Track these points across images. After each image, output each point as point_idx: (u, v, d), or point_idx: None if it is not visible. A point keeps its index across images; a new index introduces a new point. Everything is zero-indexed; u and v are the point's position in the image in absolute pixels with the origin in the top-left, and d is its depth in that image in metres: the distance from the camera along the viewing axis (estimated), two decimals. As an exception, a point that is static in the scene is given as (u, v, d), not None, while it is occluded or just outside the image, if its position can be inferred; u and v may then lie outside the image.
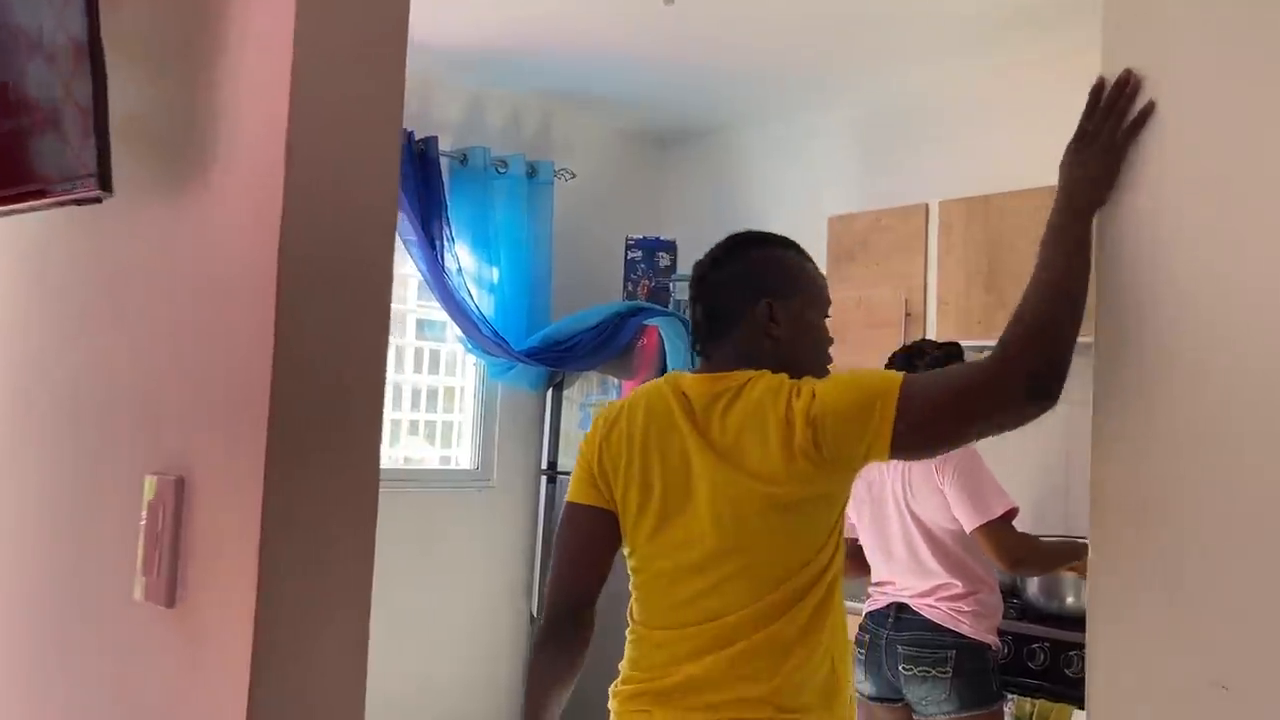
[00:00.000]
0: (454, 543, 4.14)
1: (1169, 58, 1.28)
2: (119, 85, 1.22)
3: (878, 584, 2.74)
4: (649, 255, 4.20)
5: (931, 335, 3.54)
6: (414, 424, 4.27)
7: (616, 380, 4.02)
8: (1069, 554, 2.71)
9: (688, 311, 1.73)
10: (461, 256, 4.03)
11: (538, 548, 4.21)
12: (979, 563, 2.63)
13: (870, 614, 2.74)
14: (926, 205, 3.60)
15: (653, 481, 1.56)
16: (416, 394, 4.26)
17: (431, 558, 4.05)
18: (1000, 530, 2.51)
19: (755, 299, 1.60)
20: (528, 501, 4.31)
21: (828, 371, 1.61)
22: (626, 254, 4.22)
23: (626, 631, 1.61)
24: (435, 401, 4.33)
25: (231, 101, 1.20)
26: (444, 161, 4.01)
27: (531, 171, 4.24)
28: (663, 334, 3.85)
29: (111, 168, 1.19)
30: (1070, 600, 2.83)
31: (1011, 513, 2.52)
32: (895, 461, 2.64)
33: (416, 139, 3.89)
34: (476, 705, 4.08)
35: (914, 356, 2.80)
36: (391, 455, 4.19)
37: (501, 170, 4.15)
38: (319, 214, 1.14)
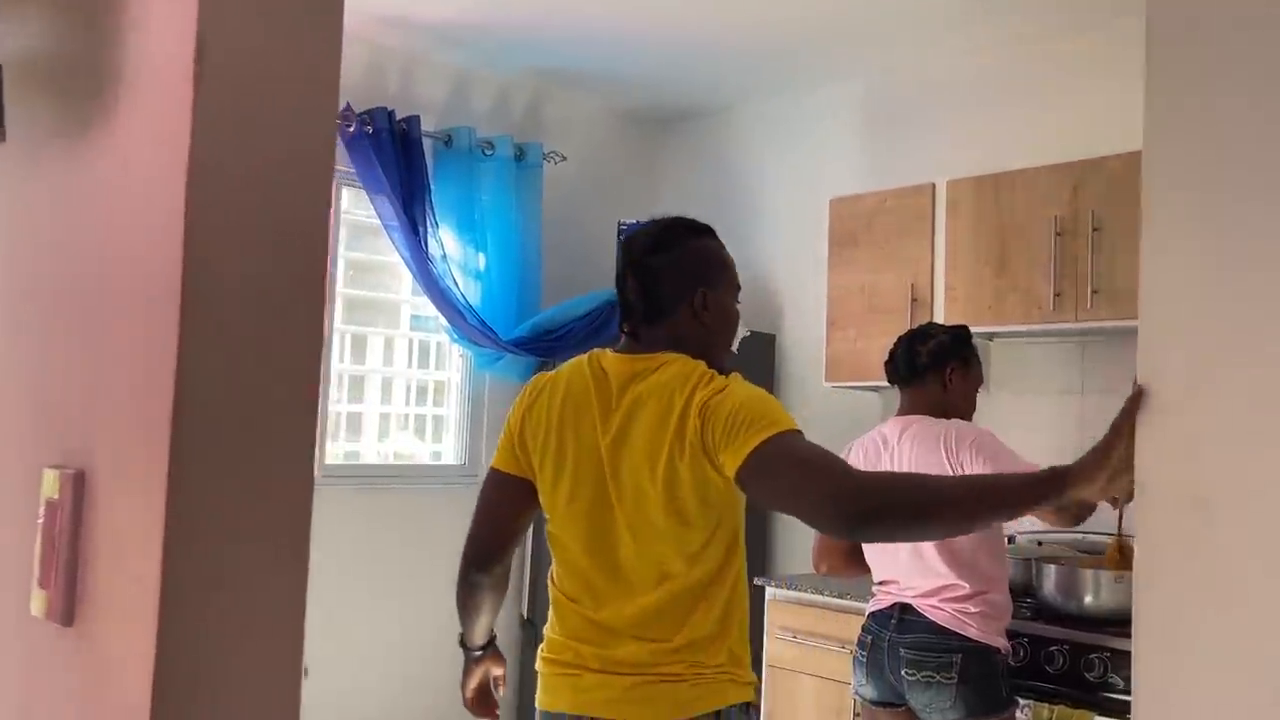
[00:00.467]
0: (441, 539, 3.93)
1: (1216, 61, 1.24)
2: (15, 23, 1.05)
3: (881, 583, 2.59)
4: (643, 240, 4.02)
5: (940, 319, 3.37)
6: (404, 418, 4.10)
7: (609, 371, 3.84)
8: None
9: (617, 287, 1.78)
10: (446, 242, 3.85)
11: (528, 545, 4.04)
12: (990, 559, 2.46)
13: (873, 614, 2.59)
14: (933, 185, 3.42)
15: (566, 455, 1.65)
16: (408, 388, 4.09)
17: (419, 555, 3.88)
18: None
19: (693, 288, 1.68)
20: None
21: (731, 350, 1.78)
22: (619, 239, 4.04)
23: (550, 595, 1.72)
24: (425, 396, 4.16)
25: (137, 41, 1.03)
26: (427, 143, 3.84)
27: (520, 154, 4.06)
28: (657, 322, 3.67)
29: (4, 109, 1.03)
30: (1089, 599, 2.66)
31: None
32: (897, 450, 2.50)
33: (398, 119, 3.72)
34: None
35: (916, 341, 2.64)
36: (380, 451, 4.02)
37: (488, 152, 3.97)
38: (235, 170, 0.97)
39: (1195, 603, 1.17)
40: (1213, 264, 1.22)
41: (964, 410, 2.60)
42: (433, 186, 3.83)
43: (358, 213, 3.86)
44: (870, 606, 2.61)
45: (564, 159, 4.21)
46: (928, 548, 2.45)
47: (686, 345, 1.66)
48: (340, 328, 3.79)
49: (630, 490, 1.60)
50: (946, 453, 2.44)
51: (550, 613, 1.71)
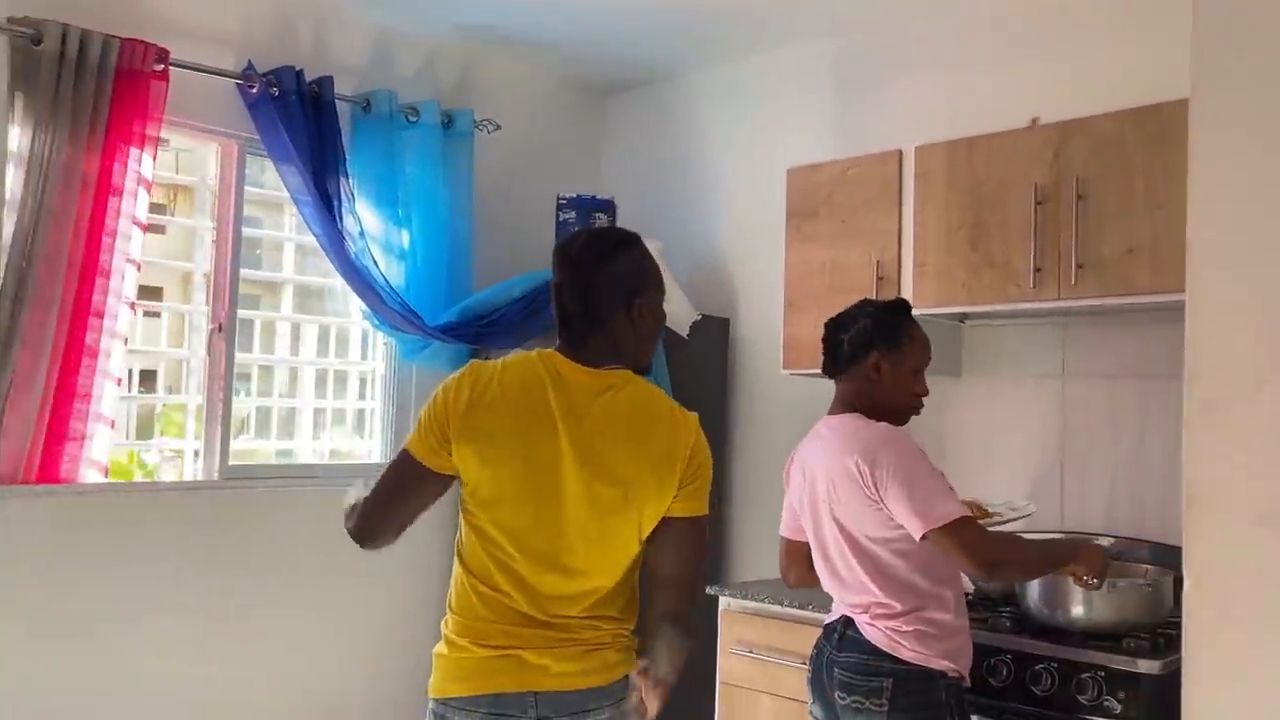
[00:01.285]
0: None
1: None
2: None
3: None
4: (584, 216, 3.68)
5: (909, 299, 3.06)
6: (320, 413, 3.72)
7: (548, 359, 3.49)
8: (1062, 554, 2.25)
9: (554, 291, 1.84)
10: (365, 218, 3.48)
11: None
12: (929, 576, 2.17)
13: (825, 626, 2.36)
14: (899, 151, 3.11)
15: (519, 454, 1.73)
16: (323, 377, 3.72)
17: (341, 564, 3.51)
18: (959, 531, 2.06)
19: (630, 299, 1.79)
20: (450, 497, 3.77)
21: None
22: (558, 215, 3.69)
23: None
24: (344, 387, 3.78)
25: None
26: (343, 108, 3.46)
27: (447, 121, 3.69)
28: (599, 305, 3.33)
29: None
30: (1078, 611, 2.36)
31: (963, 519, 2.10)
32: (822, 462, 2.25)
33: (308, 80, 3.33)
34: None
35: (839, 328, 2.36)
36: (316, 449, 3.65)
37: (412, 119, 3.60)
38: None
39: (1251, 612, 1.03)
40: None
41: (897, 404, 2.31)
42: (349, 156, 3.45)
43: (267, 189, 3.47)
44: (826, 618, 2.38)
45: (497, 128, 3.85)
46: (854, 563, 2.22)
47: (623, 354, 1.81)
48: (246, 314, 3.41)
49: (592, 498, 1.73)
50: (861, 472, 2.17)
51: (469, 601, 1.79)
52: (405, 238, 3.58)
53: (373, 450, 3.75)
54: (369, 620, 3.59)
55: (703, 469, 1.80)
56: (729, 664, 2.99)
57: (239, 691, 3.24)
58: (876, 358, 2.28)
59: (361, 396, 3.78)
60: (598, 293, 1.78)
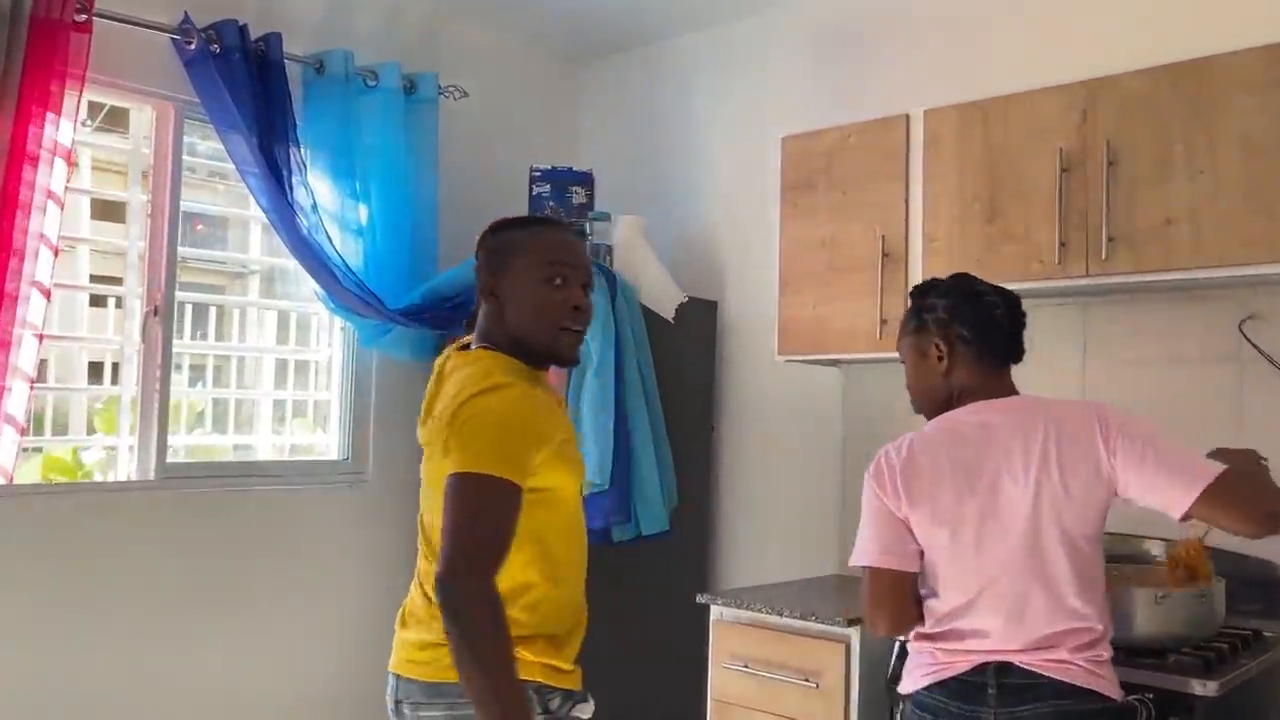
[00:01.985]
0: (320, 548, 3.30)
1: None
2: None
3: (937, 634, 1.82)
4: (559, 190, 3.38)
5: (918, 279, 2.78)
6: (279, 404, 3.40)
7: (520, 345, 3.19)
8: None
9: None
10: (318, 191, 3.16)
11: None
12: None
13: (940, 685, 1.79)
14: (907, 116, 2.84)
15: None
16: (284, 367, 3.40)
17: (292, 567, 3.22)
18: (1235, 485, 1.68)
19: (484, 281, 1.72)
20: (411, 497, 3.46)
21: (573, 335, 1.71)
22: (532, 189, 3.39)
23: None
24: (305, 377, 3.47)
25: None
26: (294, 69, 3.14)
27: (410, 86, 3.38)
28: (576, 286, 3.04)
29: None
30: (1141, 619, 2.07)
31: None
32: (1034, 452, 1.76)
33: (253, 36, 3.01)
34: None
35: (1014, 304, 1.94)
36: (277, 444, 3.33)
37: (370, 83, 3.29)
38: None
39: None
40: None
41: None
42: (300, 123, 3.13)
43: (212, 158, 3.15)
44: (921, 672, 1.83)
45: (465, 95, 3.54)
46: (1061, 575, 1.74)
47: (494, 338, 1.71)
48: (185, 297, 3.08)
49: (428, 481, 1.71)
50: (1104, 443, 1.76)
51: None
52: (363, 213, 3.26)
53: (330, 445, 3.44)
54: (322, 629, 3.28)
55: (466, 424, 1.56)
56: (722, 680, 2.71)
57: (176, 705, 2.93)
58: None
59: (301, 386, 3.46)
60: (475, 284, 1.76)
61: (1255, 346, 2.51)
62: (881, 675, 2.43)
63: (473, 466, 1.52)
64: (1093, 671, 1.73)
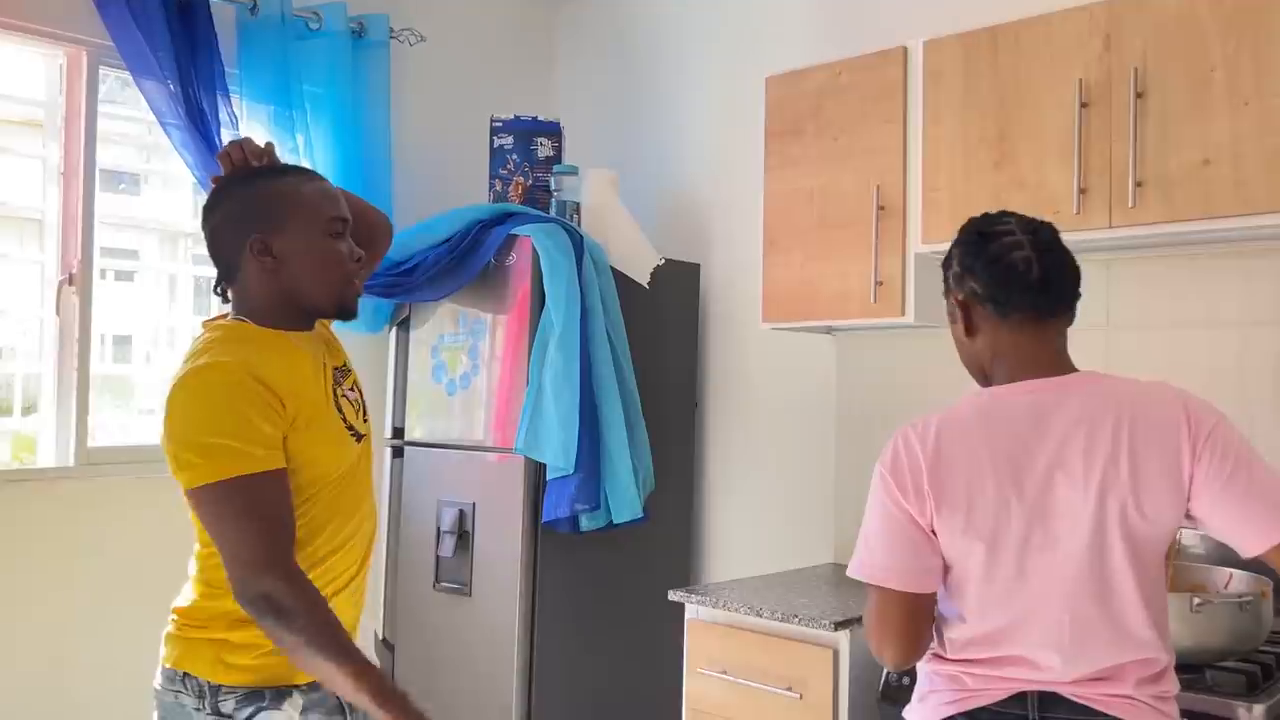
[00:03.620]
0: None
1: None
2: None
3: (963, 661, 1.48)
4: (523, 142, 3.06)
5: (917, 234, 2.46)
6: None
7: (482, 313, 2.90)
8: None
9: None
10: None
11: (383, 538, 3.11)
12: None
13: (963, 717, 1.46)
14: (904, 49, 2.50)
15: None
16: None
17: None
18: None
19: (246, 237, 1.53)
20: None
21: (352, 288, 1.60)
22: (493, 141, 3.07)
23: None
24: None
25: None
26: (224, 9, 2.82)
27: (358, 29, 3.07)
28: (538, 248, 2.73)
29: None
30: (1174, 629, 1.71)
31: None
32: (1101, 449, 1.41)
33: (174, -27, 2.70)
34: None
35: (1057, 243, 1.54)
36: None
37: (313, 26, 2.98)
38: None
39: None
40: None
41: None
42: (232, 70, 2.83)
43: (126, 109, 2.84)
44: (941, 699, 1.49)
45: (421, 39, 3.23)
46: (1127, 598, 1.40)
47: (264, 300, 1.55)
48: (106, 264, 2.80)
49: None
50: (1189, 452, 1.40)
51: None
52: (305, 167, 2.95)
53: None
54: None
55: (176, 432, 1.44)
56: (697, 687, 2.43)
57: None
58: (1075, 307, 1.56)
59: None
60: (214, 242, 1.58)
61: (1307, 307, 2.17)
62: (874, 687, 2.14)
63: (206, 478, 1.40)
64: (1159, 710, 1.40)
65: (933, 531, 1.46)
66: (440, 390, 2.97)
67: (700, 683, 2.42)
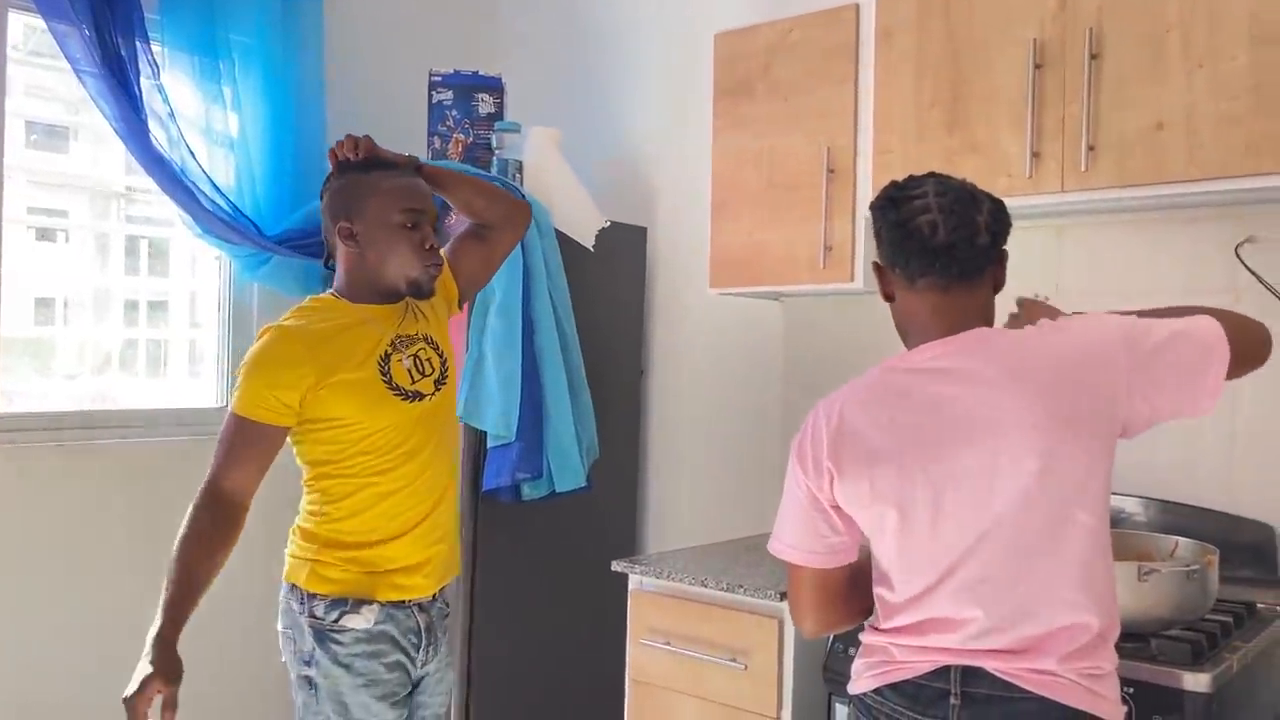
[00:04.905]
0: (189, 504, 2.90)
1: None
2: None
3: (891, 630, 1.44)
4: (464, 98, 2.95)
5: (868, 198, 2.41)
6: (130, 345, 2.98)
7: (420, 277, 2.79)
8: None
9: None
10: (178, 96, 2.72)
11: (318, 514, 3.01)
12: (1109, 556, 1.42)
13: (889, 689, 1.43)
14: (857, 6, 2.44)
15: None
16: (131, 305, 2.97)
17: (162, 533, 2.82)
18: (1234, 333, 1.40)
19: (336, 222, 1.84)
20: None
21: (423, 272, 1.84)
22: (432, 96, 2.96)
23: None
24: (163, 313, 3.04)
25: None
26: (144, -49, 2.67)
27: (289, -25, 2.92)
28: (479, 208, 2.62)
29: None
30: (1120, 598, 1.67)
31: None
32: (1007, 407, 1.36)
33: (89, -91, 2.54)
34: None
35: (970, 207, 1.45)
36: (94, 391, 2.92)
37: (241, -30, 2.83)
38: None
39: None
40: None
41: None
42: (153, 15, 2.67)
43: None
44: (871, 672, 1.46)
45: (357, -13, 3.09)
46: (1056, 556, 1.35)
47: (355, 281, 1.85)
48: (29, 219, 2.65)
49: None
50: (1119, 382, 1.36)
51: None
52: (233, 122, 2.82)
53: (205, 393, 3.03)
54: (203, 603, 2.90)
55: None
56: (640, 657, 2.38)
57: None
58: (1001, 264, 1.49)
59: (157, 324, 3.03)
60: (323, 230, 1.91)
61: (1255, 274, 2.16)
62: (819, 658, 2.10)
63: (232, 407, 1.76)
64: (1089, 690, 1.35)
65: (835, 507, 1.45)
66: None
67: (643, 654, 2.37)
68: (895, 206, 1.46)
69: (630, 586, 2.42)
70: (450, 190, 2.01)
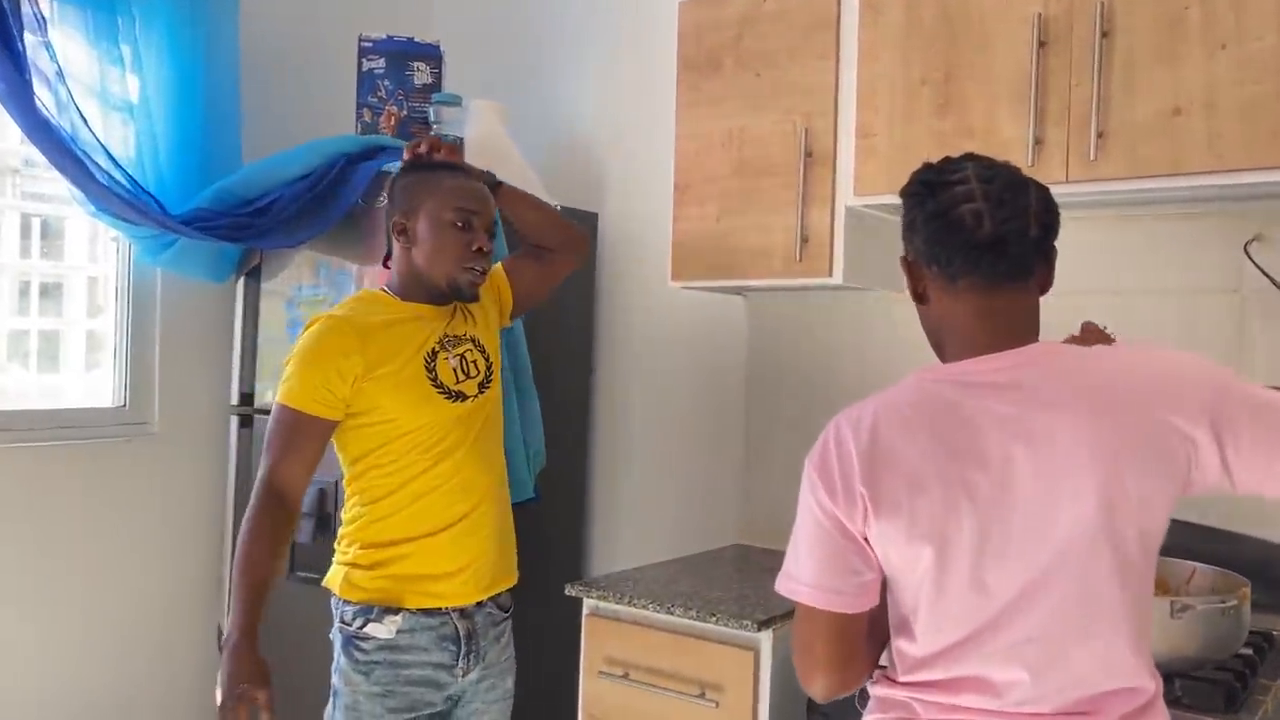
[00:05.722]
0: (90, 519, 2.59)
1: None
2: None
3: (914, 684, 1.23)
4: (397, 66, 2.66)
5: (849, 186, 2.20)
6: (17, 336, 2.63)
7: (346, 263, 2.51)
8: None
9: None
10: (69, 55, 2.39)
11: (228, 523, 2.72)
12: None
13: None
14: (839, -25, 2.22)
15: None
16: (23, 290, 2.62)
17: (53, 542, 2.51)
18: None
19: (389, 221, 1.87)
20: (211, 454, 2.78)
21: (466, 274, 1.84)
22: (362, 63, 2.66)
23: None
24: (55, 302, 2.70)
25: None
26: (28, -114, 2.32)
27: (200, -78, 2.60)
28: (416, 188, 2.35)
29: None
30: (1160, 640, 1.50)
31: None
32: (1076, 434, 1.15)
33: None
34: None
35: (1019, 187, 1.24)
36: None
37: (143, -86, 2.50)
38: None
39: None
40: None
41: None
42: (40, -39, 2.34)
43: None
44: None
45: (278, -60, 2.78)
46: (1114, 615, 1.16)
47: (404, 277, 1.87)
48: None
49: None
50: (1194, 440, 1.15)
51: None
52: (133, 86, 2.50)
53: (98, 389, 2.69)
54: (99, 620, 2.59)
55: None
56: (596, 689, 2.15)
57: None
58: (1049, 262, 1.28)
59: (49, 313, 2.69)
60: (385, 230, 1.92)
61: (1267, 275, 2.01)
62: (801, 696, 1.89)
63: (279, 398, 1.75)
64: None
65: (865, 540, 1.23)
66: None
67: (600, 687, 2.14)
68: (933, 193, 1.24)
69: (585, 611, 2.19)
70: (517, 208, 2.06)
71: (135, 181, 2.43)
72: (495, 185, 1.98)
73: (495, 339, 1.99)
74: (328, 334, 1.75)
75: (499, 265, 2.07)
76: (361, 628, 1.79)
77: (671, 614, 2.04)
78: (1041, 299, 1.32)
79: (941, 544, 1.18)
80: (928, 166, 1.29)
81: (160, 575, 2.71)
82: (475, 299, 1.89)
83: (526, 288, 2.08)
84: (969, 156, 1.28)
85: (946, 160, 1.29)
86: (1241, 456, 1.14)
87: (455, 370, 1.84)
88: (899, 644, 1.26)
